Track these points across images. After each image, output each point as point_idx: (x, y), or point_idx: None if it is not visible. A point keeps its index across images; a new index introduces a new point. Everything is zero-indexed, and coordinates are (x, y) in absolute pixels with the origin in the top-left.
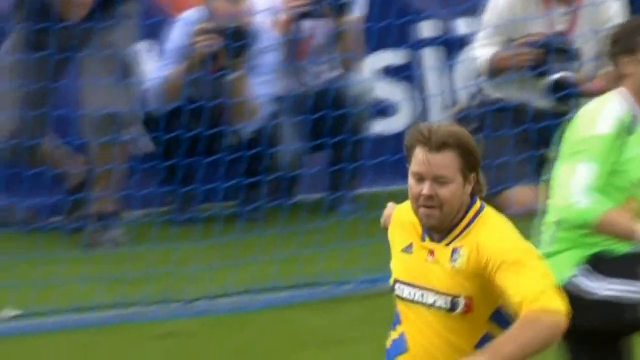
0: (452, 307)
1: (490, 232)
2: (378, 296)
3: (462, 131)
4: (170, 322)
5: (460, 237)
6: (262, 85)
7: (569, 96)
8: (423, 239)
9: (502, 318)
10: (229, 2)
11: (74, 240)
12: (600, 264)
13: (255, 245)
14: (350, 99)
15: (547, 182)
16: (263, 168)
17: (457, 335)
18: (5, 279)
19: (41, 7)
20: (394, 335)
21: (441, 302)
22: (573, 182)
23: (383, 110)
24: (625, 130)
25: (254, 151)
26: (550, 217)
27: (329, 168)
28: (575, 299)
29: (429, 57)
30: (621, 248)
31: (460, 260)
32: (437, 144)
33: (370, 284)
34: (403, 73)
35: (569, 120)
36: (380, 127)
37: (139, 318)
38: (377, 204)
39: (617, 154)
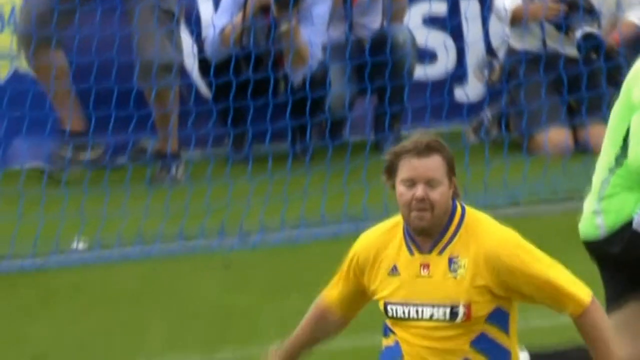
0: (452, 317)
1: (489, 239)
2: None
3: (439, 138)
4: (228, 254)
5: (452, 243)
6: (314, 34)
7: (596, 47)
8: (412, 253)
9: (498, 318)
10: None
11: (138, 178)
12: None
13: (305, 182)
14: (394, 47)
15: (580, 125)
16: (312, 111)
17: (454, 340)
18: (77, 214)
19: None
20: (387, 342)
21: (439, 314)
22: None
23: (424, 57)
24: None
25: (304, 95)
26: (605, 162)
27: (374, 111)
28: (637, 235)
29: (467, 8)
30: None
31: (462, 271)
32: (424, 149)
33: None
34: (442, 23)
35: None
36: (421, 73)
37: (198, 250)
38: None
39: None
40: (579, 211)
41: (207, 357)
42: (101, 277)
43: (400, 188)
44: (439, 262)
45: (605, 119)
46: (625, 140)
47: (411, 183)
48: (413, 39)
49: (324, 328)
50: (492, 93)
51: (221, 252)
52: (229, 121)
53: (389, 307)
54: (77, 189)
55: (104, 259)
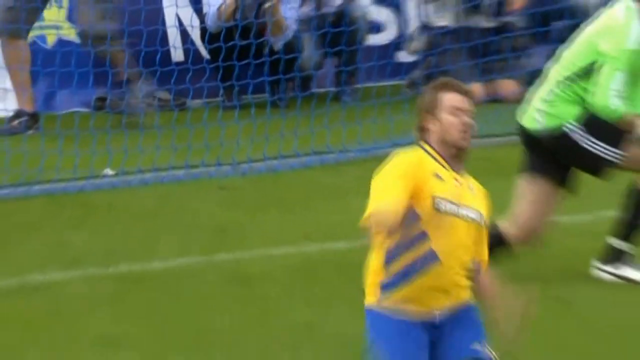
0: (481, 221)
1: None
2: (371, 160)
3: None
4: (223, 179)
5: (464, 170)
6: (289, 10)
7: (504, 16)
8: (447, 169)
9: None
10: None
11: (149, 122)
12: (593, 125)
13: (281, 125)
14: (351, 20)
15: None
16: (287, 70)
17: (476, 243)
18: (105, 149)
19: None
20: (417, 253)
21: (475, 216)
22: (612, 85)
23: (374, 28)
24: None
25: (280, 57)
26: (557, 75)
27: (334, 70)
28: (566, 138)
29: None
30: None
31: (476, 189)
32: (463, 89)
33: (365, 152)
34: (389, 2)
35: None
36: (371, 41)
37: (200, 176)
38: (369, 96)
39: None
40: (497, 145)
41: (208, 259)
42: (126, 197)
43: (449, 117)
44: (464, 180)
45: (512, 77)
46: (584, 70)
47: (458, 113)
48: (365, 14)
49: None
50: (424, 57)
51: (218, 178)
52: (219, 77)
53: (440, 202)
54: (105, 129)
55: (128, 184)
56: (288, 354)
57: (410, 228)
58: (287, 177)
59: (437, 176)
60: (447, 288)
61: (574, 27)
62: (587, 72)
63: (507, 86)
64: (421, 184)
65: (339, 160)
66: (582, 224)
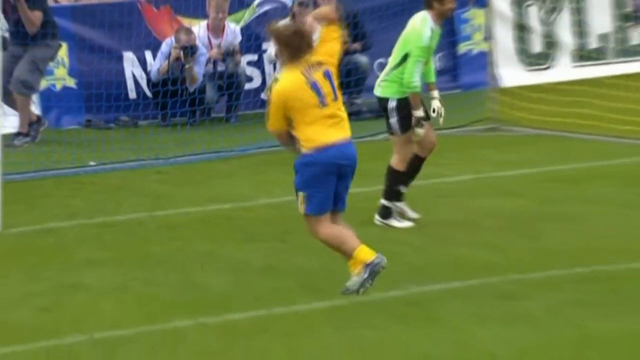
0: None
1: None
2: (248, 157)
3: None
4: (159, 167)
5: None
6: (200, 69)
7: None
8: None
9: None
10: (186, 34)
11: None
12: (401, 104)
13: (195, 135)
14: (236, 74)
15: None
16: (200, 103)
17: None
18: (90, 148)
19: None
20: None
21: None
22: (415, 71)
23: (249, 79)
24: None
25: (195, 96)
26: (390, 63)
27: (226, 103)
28: (386, 102)
29: None
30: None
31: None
32: None
33: (245, 151)
34: (256, 64)
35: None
36: (247, 86)
37: (146, 165)
38: (246, 118)
39: (428, 53)
40: None
41: (150, 215)
42: (103, 178)
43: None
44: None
45: None
46: (401, 60)
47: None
48: (244, 71)
49: None
50: None
51: (156, 167)
52: (158, 107)
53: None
54: (89, 138)
55: (104, 169)
56: (196, 272)
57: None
58: (197, 166)
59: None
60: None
61: None
62: (402, 61)
63: None
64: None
65: (229, 156)
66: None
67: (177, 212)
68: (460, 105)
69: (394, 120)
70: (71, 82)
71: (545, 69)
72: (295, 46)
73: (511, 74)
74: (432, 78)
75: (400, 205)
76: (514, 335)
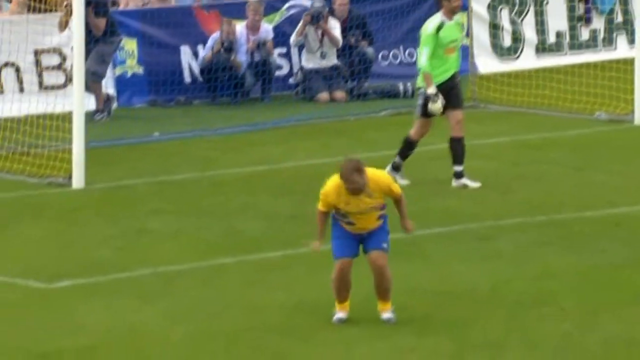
0: (377, 206)
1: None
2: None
3: None
4: (208, 138)
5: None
6: (242, 57)
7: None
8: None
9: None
10: (228, 24)
11: None
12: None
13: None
14: (268, 62)
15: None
16: (241, 85)
17: (375, 210)
18: (157, 123)
19: None
20: (345, 221)
21: (373, 205)
22: (422, 54)
23: (279, 67)
24: (437, 29)
25: (237, 80)
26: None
27: (260, 86)
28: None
29: None
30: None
31: (373, 190)
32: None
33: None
34: (285, 55)
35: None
36: (277, 73)
37: (195, 136)
38: (278, 99)
39: (435, 40)
40: None
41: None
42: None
43: None
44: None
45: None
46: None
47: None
48: (275, 60)
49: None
50: (302, 80)
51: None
52: (209, 90)
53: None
54: (154, 114)
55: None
56: (237, 220)
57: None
58: (238, 136)
59: (346, 202)
60: (366, 228)
61: None
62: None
63: (339, 94)
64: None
65: (264, 128)
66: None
67: (222, 173)
68: None
69: (419, 103)
70: (139, 70)
71: (514, 59)
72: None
73: (487, 62)
74: (454, 68)
75: (461, 181)
76: (489, 270)
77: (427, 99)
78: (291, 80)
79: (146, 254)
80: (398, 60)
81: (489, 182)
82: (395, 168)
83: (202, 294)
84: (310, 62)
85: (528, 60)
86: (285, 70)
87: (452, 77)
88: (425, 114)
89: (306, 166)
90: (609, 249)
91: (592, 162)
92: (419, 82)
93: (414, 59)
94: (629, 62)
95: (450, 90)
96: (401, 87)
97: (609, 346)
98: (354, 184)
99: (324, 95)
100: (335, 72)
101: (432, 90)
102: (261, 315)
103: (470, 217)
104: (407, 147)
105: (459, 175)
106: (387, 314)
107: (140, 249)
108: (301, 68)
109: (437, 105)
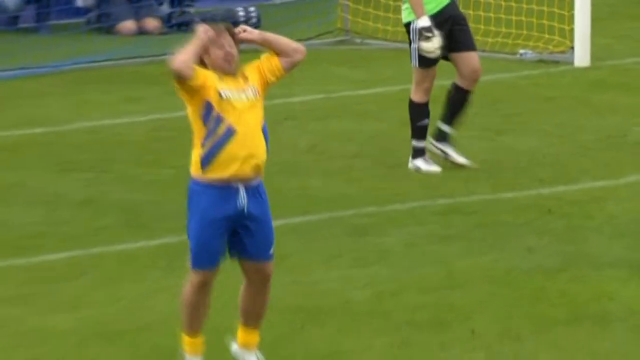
0: (255, 94)
1: None
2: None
3: None
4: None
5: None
6: None
7: None
8: (225, 77)
9: None
10: None
11: None
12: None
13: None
14: None
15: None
16: None
17: (257, 108)
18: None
19: None
20: (220, 132)
21: (251, 93)
22: None
23: None
24: None
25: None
26: None
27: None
28: (409, 27)
29: None
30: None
31: (249, 72)
32: (222, 28)
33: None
34: None
35: None
36: None
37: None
38: (64, 28)
39: None
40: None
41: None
42: None
43: (215, 51)
44: (239, 73)
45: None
46: None
47: (220, 46)
48: None
49: None
50: (97, 4)
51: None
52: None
53: (222, 92)
54: None
55: None
56: (1, 207)
57: (211, 119)
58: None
59: (219, 78)
60: (250, 151)
61: None
62: None
63: (151, 23)
64: (208, 80)
65: (39, 73)
66: None
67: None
68: (306, 14)
69: (413, 46)
70: None
71: None
72: None
73: None
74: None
75: (441, 146)
76: (369, 277)
77: (419, 35)
78: (79, 3)
79: None
80: None
81: (369, 150)
82: (418, 153)
83: None
84: None
85: None
86: None
87: (452, 2)
88: (423, 61)
89: (101, 128)
90: (537, 246)
91: (514, 121)
92: (407, 14)
93: None
94: None
95: (454, 24)
96: (242, 12)
97: None
98: (225, 47)
99: (128, 25)
100: None
101: (423, 22)
102: (26, 350)
103: (341, 201)
104: (417, 116)
105: (442, 138)
106: (252, 356)
107: None
108: None
109: (432, 44)
